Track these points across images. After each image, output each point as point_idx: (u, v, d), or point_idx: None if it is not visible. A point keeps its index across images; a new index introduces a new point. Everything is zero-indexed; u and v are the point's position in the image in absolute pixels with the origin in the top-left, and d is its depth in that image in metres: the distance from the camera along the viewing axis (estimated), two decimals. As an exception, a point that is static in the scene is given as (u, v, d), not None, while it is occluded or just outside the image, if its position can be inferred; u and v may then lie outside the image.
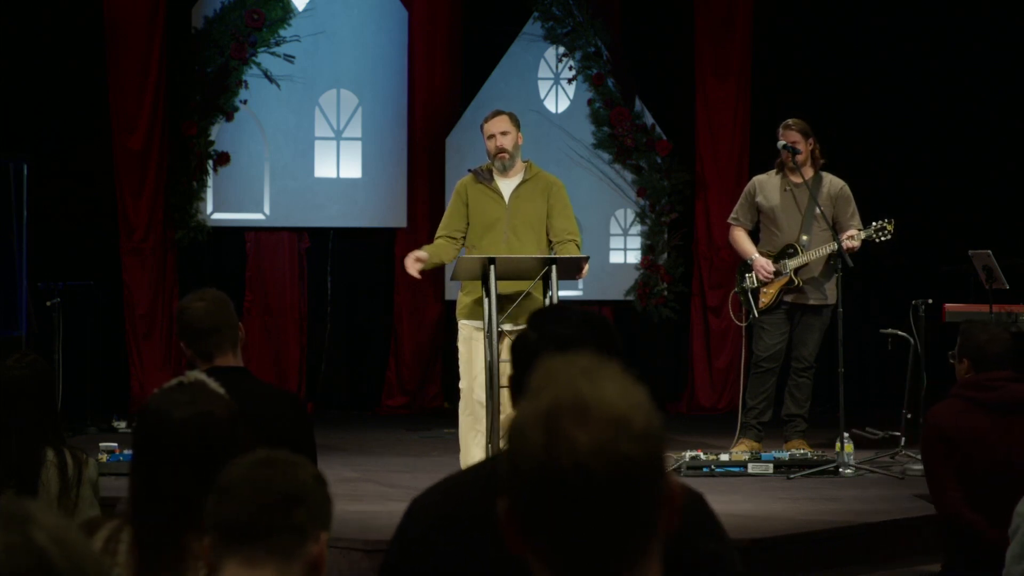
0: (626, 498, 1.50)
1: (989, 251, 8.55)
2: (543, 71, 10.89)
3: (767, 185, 8.49)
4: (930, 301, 8.56)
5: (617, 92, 10.81)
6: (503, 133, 7.26)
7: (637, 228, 10.94)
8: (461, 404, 7.34)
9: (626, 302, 10.93)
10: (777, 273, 8.38)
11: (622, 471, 1.49)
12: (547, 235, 7.32)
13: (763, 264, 8.38)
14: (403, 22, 10.71)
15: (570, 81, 10.86)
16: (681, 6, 10.89)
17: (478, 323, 7.15)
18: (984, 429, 4.84)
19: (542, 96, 10.87)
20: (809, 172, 8.33)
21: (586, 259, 7.08)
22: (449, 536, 2.42)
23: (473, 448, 7.21)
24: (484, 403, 6.98)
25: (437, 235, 7.47)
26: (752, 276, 8.47)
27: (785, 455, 8.05)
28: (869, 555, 6.68)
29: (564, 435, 1.49)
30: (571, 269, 7.05)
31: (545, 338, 2.54)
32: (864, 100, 11.06)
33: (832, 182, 8.41)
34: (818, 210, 8.26)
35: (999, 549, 4.79)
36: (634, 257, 10.95)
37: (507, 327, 7.03)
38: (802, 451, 8.14)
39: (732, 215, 8.62)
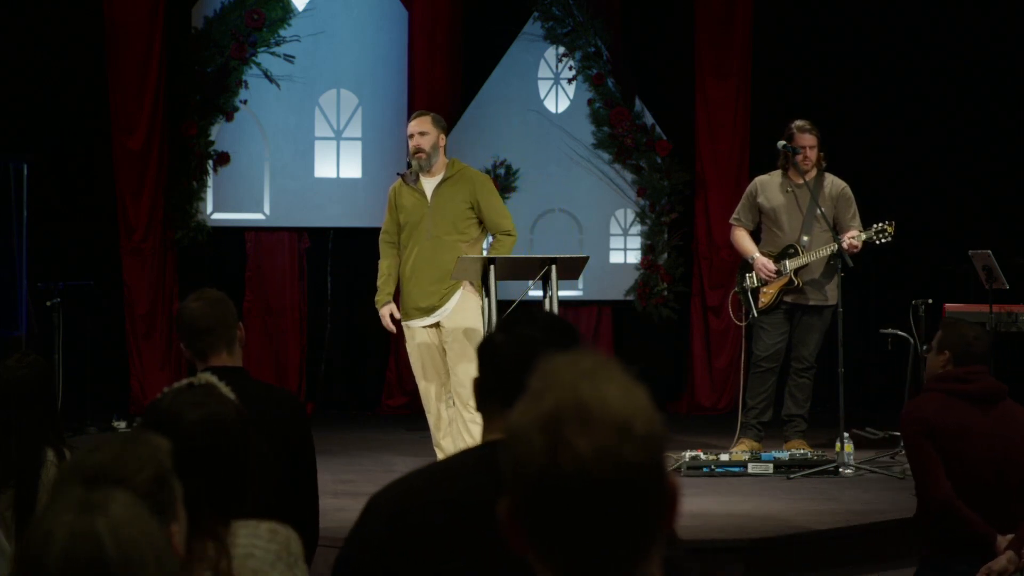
0: (629, 501, 1.50)
1: (989, 251, 8.54)
2: (543, 71, 10.88)
3: (768, 185, 8.49)
4: (930, 301, 8.56)
5: (617, 92, 10.80)
6: (422, 133, 7.35)
7: (637, 228, 10.93)
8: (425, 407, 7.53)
9: (626, 302, 10.92)
10: (777, 273, 8.38)
11: (624, 475, 1.49)
12: (478, 229, 7.40)
13: (764, 263, 8.38)
14: (403, 22, 10.71)
15: (570, 81, 10.86)
16: (681, 6, 10.88)
17: (409, 323, 7.39)
18: (970, 420, 4.87)
19: (542, 96, 10.86)
20: (811, 173, 8.33)
21: (585, 259, 7.12)
22: (407, 533, 2.39)
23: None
24: (442, 412, 7.35)
25: (380, 238, 7.60)
26: (752, 276, 8.47)
27: (785, 455, 8.05)
28: (869, 555, 6.67)
29: (566, 440, 1.49)
30: (571, 268, 7.12)
31: (512, 340, 2.49)
32: (864, 100, 11.05)
33: (833, 183, 8.41)
34: (819, 211, 8.26)
35: (988, 543, 4.80)
36: (634, 257, 10.94)
37: (416, 323, 7.31)
38: (802, 451, 8.14)
39: (734, 216, 8.62)
